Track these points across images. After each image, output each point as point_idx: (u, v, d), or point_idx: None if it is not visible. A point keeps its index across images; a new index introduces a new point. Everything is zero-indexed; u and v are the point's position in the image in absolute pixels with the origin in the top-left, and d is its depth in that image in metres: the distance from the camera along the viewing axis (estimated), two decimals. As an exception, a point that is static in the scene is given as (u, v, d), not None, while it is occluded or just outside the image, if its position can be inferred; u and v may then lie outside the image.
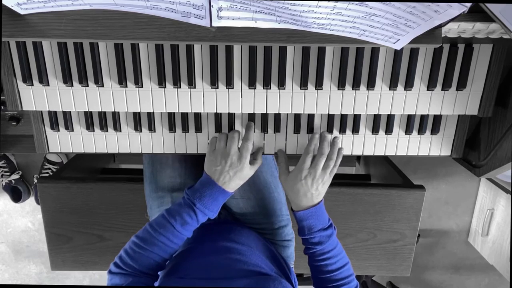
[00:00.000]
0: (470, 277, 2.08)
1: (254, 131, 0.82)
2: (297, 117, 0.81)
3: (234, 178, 0.75)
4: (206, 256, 0.75)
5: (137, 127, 0.82)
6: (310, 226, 0.77)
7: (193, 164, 0.94)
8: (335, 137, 0.82)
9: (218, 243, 0.79)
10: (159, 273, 0.74)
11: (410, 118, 0.82)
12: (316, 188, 0.76)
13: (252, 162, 0.79)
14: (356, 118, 0.82)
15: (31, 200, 1.92)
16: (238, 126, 0.82)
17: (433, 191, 1.91)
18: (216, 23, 0.58)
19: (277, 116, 0.81)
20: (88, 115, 0.81)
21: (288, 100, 0.77)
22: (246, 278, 0.67)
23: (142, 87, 0.76)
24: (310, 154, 0.78)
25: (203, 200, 0.74)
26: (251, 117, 0.81)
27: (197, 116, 0.81)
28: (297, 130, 0.82)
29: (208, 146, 0.79)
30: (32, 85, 0.75)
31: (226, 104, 0.77)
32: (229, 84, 0.75)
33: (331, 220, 0.80)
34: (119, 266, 0.70)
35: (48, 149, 0.84)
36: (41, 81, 0.75)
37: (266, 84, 0.76)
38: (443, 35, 0.65)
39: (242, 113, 0.81)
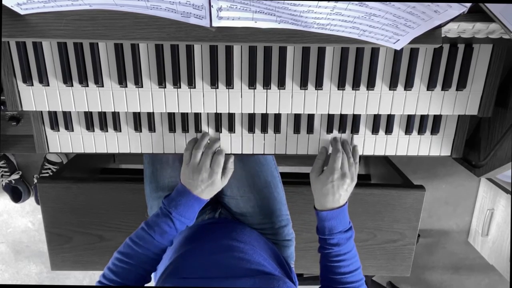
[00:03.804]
0: (470, 277, 2.08)
1: (254, 132, 0.82)
2: (297, 117, 0.81)
3: (206, 191, 0.77)
4: (209, 256, 0.75)
5: (137, 127, 0.82)
6: (331, 227, 0.77)
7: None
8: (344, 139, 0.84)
9: (220, 242, 0.79)
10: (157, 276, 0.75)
11: (410, 118, 0.82)
12: (345, 189, 0.77)
13: (223, 172, 0.79)
14: (356, 118, 0.82)
15: (31, 200, 1.92)
16: (238, 126, 0.82)
17: (433, 191, 1.91)
18: (216, 23, 0.58)
19: (277, 116, 0.81)
20: (88, 115, 0.81)
21: (288, 100, 0.77)
22: (250, 277, 0.67)
23: (142, 87, 0.76)
24: (340, 154, 0.78)
25: (178, 208, 0.75)
26: (251, 117, 0.81)
27: (197, 116, 0.81)
28: (297, 130, 0.82)
29: (184, 157, 0.79)
30: (32, 85, 0.75)
31: (226, 104, 0.77)
32: (229, 84, 0.75)
33: (351, 223, 0.79)
34: (103, 284, 0.71)
35: (48, 149, 0.84)
36: (41, 81, 0.75)
37: (266, 84, 0.76)
38: (443, 35, 0.65)
39: (242, 113, 0.81)
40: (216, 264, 0.71)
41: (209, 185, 0.76)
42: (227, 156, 0.81)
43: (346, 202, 0.79)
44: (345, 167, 0.77)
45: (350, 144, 0.83)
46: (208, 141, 0.82)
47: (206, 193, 0.77)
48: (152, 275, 0.78)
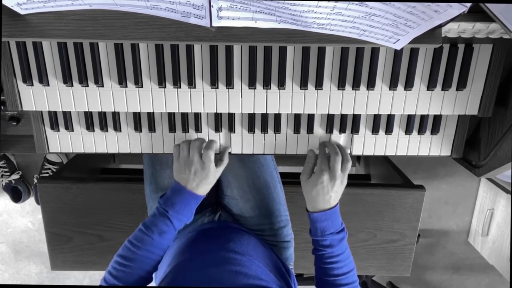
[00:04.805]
0: (470, 277, 2.08)
1: (254, 132, 0.82)
2: (297, 117, 0.81)
3: (201, 184, 0.76)
4: (205, 269, 0.74)
5: (137, 127, 0.82)
6: (323, 228, 0.77)
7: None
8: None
9: (217, 253, 0.79)
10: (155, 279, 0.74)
11: (410, 118, 0.82)
12: (335, 191, 0.77)
13: (217, 163, 0.79)
14: (356, 118, 0.82)
15: (31, 200, 1.92)
16: (238, 126, 0.82)
17: (433, 191, 1.91)
18: (216, 23, 0.58)
19: (277, 116, 0.81)
20: (88, 115, 0.81)
21: (288, 100, 0.77)
22: None
23: (142, 87, 0.76)
24: (325, 157, 0.79)
25: (175, 207, 0.75)
26: (251, 117, 0.81)
27: (197, 116, 0.81)
28: (297, 130, 0.82)
29: (173, 153, 0.79)
30: (32, 85, 0.75)
31: (226, 104, 0.77)
32: (229, 84, 0.75)
33: (343, 224, 0.80)
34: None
35: (48, 149, 0.84)
36: (41, 81, 0.75)
37: (266, 84, 0.76)
38: (443, 35, 0.65)
39: (242, 113, 0.81)
40: (212, 279, 0.70)
41: (203, 178, 0.75)
42: (223, 147, 0.81)
43: (337, 203, 0.79)
44: (335, 169, 0.76)
45: (350, 145, 0.83)
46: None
47: (201, 187, 0.76)
48: (154, 275, 0.77)
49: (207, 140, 0.83)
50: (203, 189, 0.77)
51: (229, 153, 0.84)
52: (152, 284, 0.78)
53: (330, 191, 0.76)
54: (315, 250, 0.80)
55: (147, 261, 0.73)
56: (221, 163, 0.80)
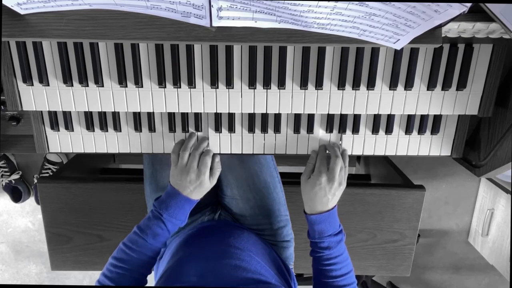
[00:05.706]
0: (470, 277, 2.08)
1: (254, 132, 0.82)
2: (297, 117, 0.81)
3: (195, 191, 0.78)
4: (205, 263, 0.74)
5: (137, 127, 0.82)
6: (321, 230, 0.77)
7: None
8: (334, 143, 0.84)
9: (217, 248, 0.79)
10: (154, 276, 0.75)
11: (410, 118, 0.82)
12: (333, 193, 0.77)
13: (211, 172, 0.80)
14: (356, 118, 0.82)
15: (31, 200, 1.92)
16: (238, 126, 0.82)
17: (433, 191, 1.91)
18: (216, 23, 0.58)
19: (277, 116, 0.81)
20: (88, 115, 0.81)
21: (288, 100, 0.77)
22: (245, 286, 0.67)
23: (142, 87, 0.76)
24: (325, 158, 0.79)
25: (169, 210, 0.76)
26: (251, 117, 0.81)
27: (197, 116, 0.81)
28: (297, 130, 0.82)
29: (171, 159, 0.80)
30: (32, 85, 0.75)
31: (226, 104, 0.77)
32: (229, 84, 0.75)
33: (341, 226, 0.80)
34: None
35: (48, 149, 0.84)
36: (41, 81, 0.75)
37: (266, 84, 0.76)
38: (443, 35, 0.65)
39: (242, 113, 0.81)
40: (213, 272, 0.71)
41: (197, 186, 0.77)
42: (214, 155, 0.81)
43: (335, 206, 0.79)
44: (334, 171, 0.77)
45: (340, 146, 0.83)
46: (197, 141, 0.82)
47: (196, 194, 0.78)
48: (152, 274, 0.78)
49: (206, 138, 0.83)
50: (198, 195, 0.79)
51: (229, 153, 0.84)
52: (151, 284, 0.78)
53: (328, 193, 0.76)
54: (313, 252, 0.80)
55: (140, 263, 0.74)
56: (212, 172, 0.80)
